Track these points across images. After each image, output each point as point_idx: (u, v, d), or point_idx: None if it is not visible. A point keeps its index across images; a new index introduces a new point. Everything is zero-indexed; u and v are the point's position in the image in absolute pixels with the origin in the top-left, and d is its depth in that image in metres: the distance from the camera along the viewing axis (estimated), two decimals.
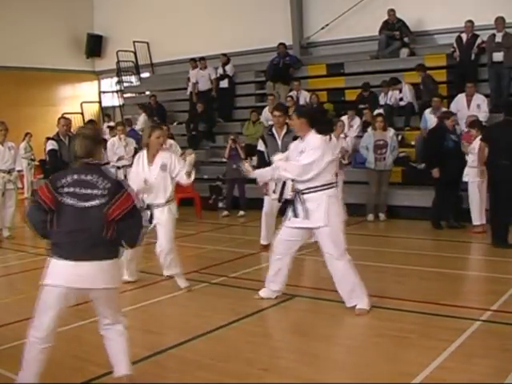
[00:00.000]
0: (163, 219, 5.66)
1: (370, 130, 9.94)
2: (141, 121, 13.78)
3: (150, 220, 5.63)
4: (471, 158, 8.08)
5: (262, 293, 5.31)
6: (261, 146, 7.28)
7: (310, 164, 4.78)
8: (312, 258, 7.15)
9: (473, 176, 8.04)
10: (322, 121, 5.08)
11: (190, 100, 14.36)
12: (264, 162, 6.60)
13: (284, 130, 6.95)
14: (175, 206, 5.80)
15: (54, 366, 4.02)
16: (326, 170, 4.85)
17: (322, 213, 4.84)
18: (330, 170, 4.94)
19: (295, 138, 5.32)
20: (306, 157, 4.82)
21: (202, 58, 13.96)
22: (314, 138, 4.89)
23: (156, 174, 5.56)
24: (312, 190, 4.86)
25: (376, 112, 10.78)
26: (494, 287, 5.52)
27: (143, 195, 5.43)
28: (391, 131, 9.76)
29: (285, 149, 5.74)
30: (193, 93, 14.13)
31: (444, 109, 10.11)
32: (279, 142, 6.92)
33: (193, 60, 14.24)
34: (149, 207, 5.61)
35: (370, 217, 9.66)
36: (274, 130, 7.11)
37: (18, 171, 9.45)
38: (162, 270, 5.92)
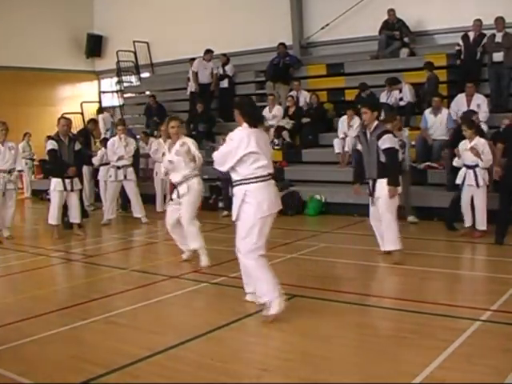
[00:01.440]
0: (184, 194, 6.71)
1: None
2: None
3: (178, 195, 6.74)
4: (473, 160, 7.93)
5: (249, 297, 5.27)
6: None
7: (223, 155, 4.79)
8: (312, 258, 7.16)
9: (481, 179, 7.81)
10: (250, 113, 4.89)
11: (190, 100, 14.37)
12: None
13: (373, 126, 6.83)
14: (196, 182, 6.76)
15: (54, 365, 4.03)
16: (243, 163, 4.70)
17: (235, 208, 4.81)
18: (250, 164, 4.71)
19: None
20: (222, 147, 4.87)
21: (210, 51, 13.94)
22: (236, 130, 4.85)
23: (172, 157, 6.73)
24: (234, 183, 4.86)
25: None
26: (494, 287, 5.51)
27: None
28: (406, 131, 9.46)
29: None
30: (191, 80, 14.07)
31: (445, 109, 10.11)
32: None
33: (192, 60, 14.26)
34: (175, 186, 6.82)
35: None
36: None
37: (19, 171, 9.45)
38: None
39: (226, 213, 10.71)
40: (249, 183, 4.74)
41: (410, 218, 9.10)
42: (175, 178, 6.81)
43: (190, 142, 6.85)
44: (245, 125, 4.81)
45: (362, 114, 6.59)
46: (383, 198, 6.48)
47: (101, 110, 15.82)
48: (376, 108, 6.66)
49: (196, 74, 13.96)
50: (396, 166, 6.61)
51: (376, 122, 6.53)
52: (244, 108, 4.90)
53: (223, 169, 4.86)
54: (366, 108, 6.50)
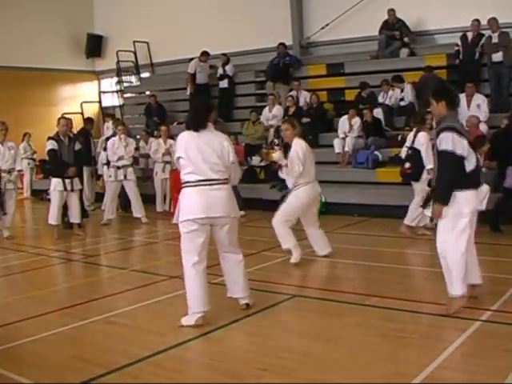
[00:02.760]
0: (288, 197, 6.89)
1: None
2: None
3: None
4: None
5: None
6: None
7: (176, 159, 4.95)
8: (312, 258, 7.15)
9: None
10: (188, 116, 5.06)
11: (189, 100, 14.36)
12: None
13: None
14: (305, 190, 6.73)
15: (54, 365, 4.03)
16: (182, 166, 4.80)
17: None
18: (186, 167, 4.75)
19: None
20: None
21: (207, 53, 13.96)
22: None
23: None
24: None
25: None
26: (494, 287, 5.51)
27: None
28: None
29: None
30: (188, 81, 14.11)
31: None
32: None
33: (192, 60, 14.28)
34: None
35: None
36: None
37: (18, 171, 9.44)
38: None
39: None
40: (187, 186, 4.76)
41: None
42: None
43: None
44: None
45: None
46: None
47: (103, 117, 15.80)
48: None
49: (193, 75, 13.98)
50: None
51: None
52: (189, 111, 5.13)
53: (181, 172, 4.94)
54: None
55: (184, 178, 4.77)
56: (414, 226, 8.06)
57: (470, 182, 4.66)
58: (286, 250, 6.91)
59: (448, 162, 4.61)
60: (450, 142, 4.55)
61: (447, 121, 4.70)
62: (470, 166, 4.66)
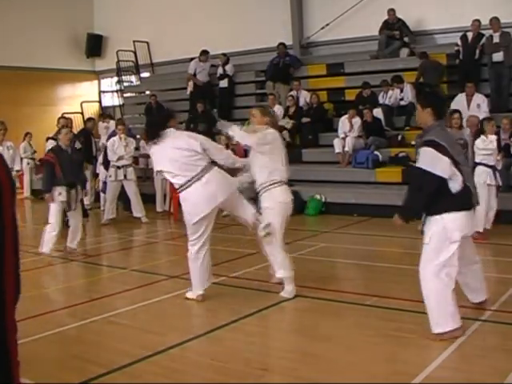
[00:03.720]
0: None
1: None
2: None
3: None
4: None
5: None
6: None
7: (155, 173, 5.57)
8: (312, 258, 7.16)
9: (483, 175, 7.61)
10: (146, 131, 5.43)
11: (190, 100, 14.37)
12: None
13: None
14: (269, 195, 5.25)
15: (54, 365, 4.03)
16: (167, 175, 5.24)
17: None
18: (170, 174, 5.21)
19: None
20: None
21: (206, 52, 13.98)
22: None
23: None
24: None
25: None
26: (494, 287, 5.51)
27: None
28: (467, 129, 9.00)
29: None
30: (188, 81, 14.14)
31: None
32: None
33: (192, 59, 14.30)
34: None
35: None
36: None
37: (17, 171, 9.45)
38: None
39: (225, 213, 10.68)
40: (179, 192, 5.23)
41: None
42: None
43: None
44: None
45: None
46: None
47: (99, 117, 15.79)
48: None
49: (193, 75, 14.00)
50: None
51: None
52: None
53: None
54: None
55: (175, 183, 5.16)
56: None
57: (459, 203, 4.13)
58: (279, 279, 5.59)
59: (423, 181, 4.16)
60: (429, 159, 4.07)
61: (432, 133, 4.19)
62: (455, 185, 4.12)
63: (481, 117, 9.66)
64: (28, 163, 15.10)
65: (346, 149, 10.94)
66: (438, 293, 4.11)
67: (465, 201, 4.19)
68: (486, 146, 7.66)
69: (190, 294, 5.41)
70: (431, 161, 4.05)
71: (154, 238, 9.21)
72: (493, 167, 7.68)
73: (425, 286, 4.18)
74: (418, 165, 4.17)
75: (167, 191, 11.29)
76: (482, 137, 7.72)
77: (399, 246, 7.78)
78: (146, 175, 12.55)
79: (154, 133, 5.22)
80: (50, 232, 7.40)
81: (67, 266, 7.36)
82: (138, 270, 6.90)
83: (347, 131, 11.07)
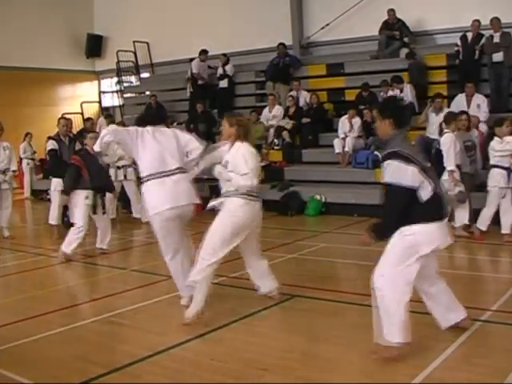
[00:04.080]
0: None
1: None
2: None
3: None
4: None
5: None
6: None
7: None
8: (312, 258, 7.16)
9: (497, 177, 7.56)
10: None
11: (189, 100, 14.38)
12: None
13: None
14: (231, 204, 4.93)
15: (54, 365, 4.03)
16: None
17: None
18: None
19: None
20: None
21: (206, 51, 14.01)
22: None
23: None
24: None
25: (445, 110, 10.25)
26: (494, 287, 5.51)
27: None
28: (475, 131, 9.03)
29: None
30: (189, 81, 14.19)
31: (446, 108, 10.10)
32: None
33: (192, 60, 14.31)
34: None
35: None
36: None
37: (13, 171, 9.41)
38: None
39: None
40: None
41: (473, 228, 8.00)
42: None
43: None
44: None
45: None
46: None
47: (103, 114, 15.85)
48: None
49: (192, 76, 14.03)
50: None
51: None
52: None
53: None
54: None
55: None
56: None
57: (429, 213, 3.86)
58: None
59: (392, 195, 3.89)
60: (394, 172, 3.81)
61: (393, 143, 3.94)
62: (425, 193, 3.84)
63: (481, 117, 9.68)
64: (28, 163, 15.11)
65: (346, 149, 10.94)
66: (396, 303, 3.86)
67: (435, 211, 3.91)
68: (502, 148, 7.53)
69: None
70: (397, 173, 3.80)
71: (153, 238, 9.09)
72: (508, 169, 7.55)
73: (382, 295, 3.88)
74: (385, 181, 3.86)
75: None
76: (497, 138, 7.60)
77: None
78: None
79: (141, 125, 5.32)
80: (76, 234, 7.37)
81: (67, 266, 7.35)
82: (137, 270, 6.91)
83: (347, 131, 11.07)
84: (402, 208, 3.84)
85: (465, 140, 8.15)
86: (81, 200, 7.38)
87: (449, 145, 7.53)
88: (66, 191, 7.56)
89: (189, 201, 5.08)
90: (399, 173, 3.80)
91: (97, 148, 5.47)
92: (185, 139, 5.28)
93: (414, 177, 3.80)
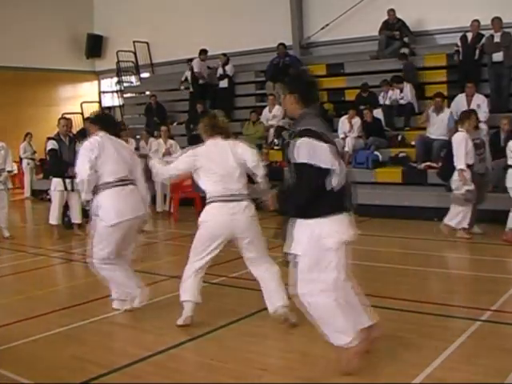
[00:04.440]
0: None
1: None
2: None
3: None
4: None
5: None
6: None
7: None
8: None
9: None
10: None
11: (189, 100, 14.38)
12: None
13: None
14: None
15: (54, 365, 4.03)
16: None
17: None
18: None
19: None
20: None
21: (205, 51, 14.03)
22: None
23: None
24: None
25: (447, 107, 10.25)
26: (494, 287, 5.51)
27: None
28: (484, 130, 9.03)
29: None
30: (189, 81, 14.23)
31: (447, 108, 10.10)
32: None
33: (190, 60, 14.34)
34: None
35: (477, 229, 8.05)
36: None
37: (8, 172, 9.40)
38: None
39: None
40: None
41: (475, 229, 8.03)
42: None
43: None
44: None
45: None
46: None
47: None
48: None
49: (194, 75, 14.04)
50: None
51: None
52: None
53: None
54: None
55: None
56: (453, 227, 7.79)
57: (334, 205, 3.59)
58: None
59: (305, 176, 3.48)
60: (306, 151, 3.42)
61: (304, 122, 3.59)
62: (333, 180, 3.53)
63: (481, 117, 9.66)
64: (28, 163, 15.11)
65: (346, 149, 10.92)
66: (332, 305, 3.63)
67: (341, 202, 3.64)
68: None
69: (116, 304, 5.20)
70: (309, 151, 3.43)
71: (153, 238, 9.20)
72: None
73: (316, 307, 3.66)
74: (296, 160, 3.47)
75: (167, 191, 11.29)
76: None
77: (399, 246, 7.78)
78: (145, 175, 12.52)
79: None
80: None
81: (67, 266, 7.36)
82: (137, 270, 6.87)
83: (347, 131, 11.06)
84: (313, 190, 3.51)
85: (473, 138, 8.02)
86: None
87: (459, 143, 7.50)
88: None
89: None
90: (314, 152, 3.44)
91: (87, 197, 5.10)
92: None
93: (326, 156, 3.47)
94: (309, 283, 3.59)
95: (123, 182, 5.02)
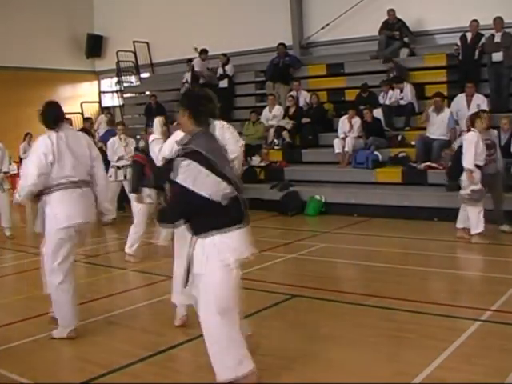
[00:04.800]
0: None
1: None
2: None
3: None
4: None
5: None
6: None
7: None
8: (312, 258, 7.16)
9: None
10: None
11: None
12: None
13: None
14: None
15: (54, 365, 4.04)
16: None
17: None
18: None
19: None
20: None
21: (206, 51, 14.06)
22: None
23: None
24: None
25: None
26: (494, 287, 5.51)
27: None
28: (495, 130, 8.84)
29: None
30: (189, 81, 14.22)
31: (447, 108, 10.09)
32: None
33: (189, 61, 14.37)
34: None
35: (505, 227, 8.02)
36: None
37: (4, 173, 9.38)
38: None
39: None
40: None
41: (504, 227, 8.00)
42: None
43: None
44: None
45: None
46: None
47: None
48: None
49: (194, 75, 14.06)
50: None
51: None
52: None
53: None
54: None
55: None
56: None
57: (228, 219, 3.44)
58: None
59: (183, 198, 3.41)
60: (186, 174, 3.33)
61: (194, 142, 3.42)
62: (222, 199, 3.40)
63: None
64: None
65: (346, 149, 10.94)
66: (223, 333, 3.48)
67: (235, 216, 3.48)
68: None
69: (56, 333, 4.54)
70: (190, 177, 3.33)
71: (153, 239, 9.20)
72: None
73: (209, 334, 3.50)
74: (175, 179, 3.37)
75: (167, 191, 11.27)
76: None
77: (399, 246, 7.79)
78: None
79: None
80: (136, 233, 7.43)
81: None
82: (137, 270, 6.91)
83: (347, 131, 11.06)
84: (188, 212, 3.46)
85: (485, 139, 7.84)
86: (142, 198, 7.20)
87: (470, 143, 7.41)
88: (134, 191, 7.23)
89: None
90: (195, 179, 3.34)
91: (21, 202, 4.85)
92: None
93: (208, 185, 3.36)
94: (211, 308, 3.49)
95: (75, 184, 4.61)
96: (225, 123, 4.90)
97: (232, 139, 4.89)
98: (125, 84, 17.68)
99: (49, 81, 17.84)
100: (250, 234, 3.56)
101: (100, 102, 19.68)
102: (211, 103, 3.59)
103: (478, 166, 7.47)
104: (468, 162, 7.38)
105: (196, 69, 14.10)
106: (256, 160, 11.96)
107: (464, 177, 7.49)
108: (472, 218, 7.48)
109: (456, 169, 7.72)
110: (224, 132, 4.74)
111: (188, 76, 14.49)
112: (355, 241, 8.28)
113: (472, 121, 7.75)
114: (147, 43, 17.32)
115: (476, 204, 7.47)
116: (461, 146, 7.69)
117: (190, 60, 14.36)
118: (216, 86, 14.11)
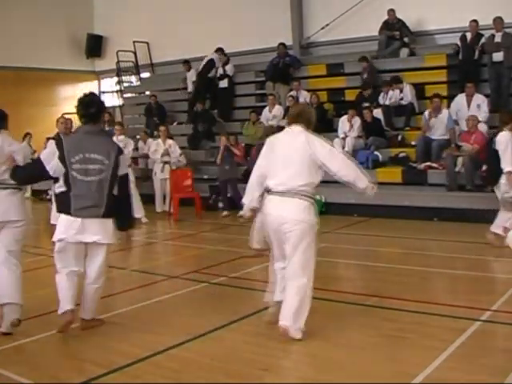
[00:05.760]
0: None
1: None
2: None
3: None
4: None
5: None
6: None
7: None
8: None
9: None
10: None
11: (190, 100, 14.38)
12: None
13: None
14: None
15: (54, 365, 4.03)
16: None
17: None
18: None
19: None
20: None
21: (221, 49, 14.03)
22: None
23: None
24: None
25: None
26: (494, 287, 5.52)
27: None
28: None
29: None
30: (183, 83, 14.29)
31: (445, 109, 10.09)
32: None
33: (186, 62, 14.41)
34: None
35: None
36: None
37: None
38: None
39: (225, 213, 10.72)
40: None
41: None
42: None
43: None
44: None
45: None
46: None
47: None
48: None
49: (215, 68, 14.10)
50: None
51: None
52: None
53: None
54: None
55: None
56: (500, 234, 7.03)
57: (64, 203, 4.49)
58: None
59: (30, 165, 4.83)
60: (47, 150, 4.69)
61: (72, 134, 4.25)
62: (60, 186, 4.53)
63: (481, 117, 9.68)
64: None
65: (346, 149, 10.92)
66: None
67: (66, 205, 4.44)
68: None
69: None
70: (46, 154, 4.60)
71: (153, 238, 9.21)
72: None
73: None
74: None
75: (167, 191, 11.30)
76: None
77: (399, 246, 7.79)
78: (145, 175, 12.53)
79: None
80: None
81: None
82: (137, 270, 6.91)
83: (347, 131, 11.07)
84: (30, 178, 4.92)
85: None
86: None
87: (505, 144, 6.99)
88: None
89: None
90: (48, 156, 4.53)
91: None
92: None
93: (54, 166, 4.43)
94: None
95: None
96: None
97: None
98: (125, 84, 17.68)
99: (49, 81, 17.85)
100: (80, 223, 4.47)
101: None
102: (86, 107, 4.87)
103: None
104: (507, 164, 6.86)
105: (216, 65, 14.10)
106: None
107: (504, 180, 6.97)
108: (500, 220, 7.12)
109: (495, 173, 7.19)
110: None
111: (189, 77, 14.50)
112: (355, 241, 8.28)
113: (504, 121, 7.29)
114: (147, 43, 17.31)
115: None
116: (495, 150, 7.17)
117: (187, 61, 14.39)
118: (216, 86, 14.13)
